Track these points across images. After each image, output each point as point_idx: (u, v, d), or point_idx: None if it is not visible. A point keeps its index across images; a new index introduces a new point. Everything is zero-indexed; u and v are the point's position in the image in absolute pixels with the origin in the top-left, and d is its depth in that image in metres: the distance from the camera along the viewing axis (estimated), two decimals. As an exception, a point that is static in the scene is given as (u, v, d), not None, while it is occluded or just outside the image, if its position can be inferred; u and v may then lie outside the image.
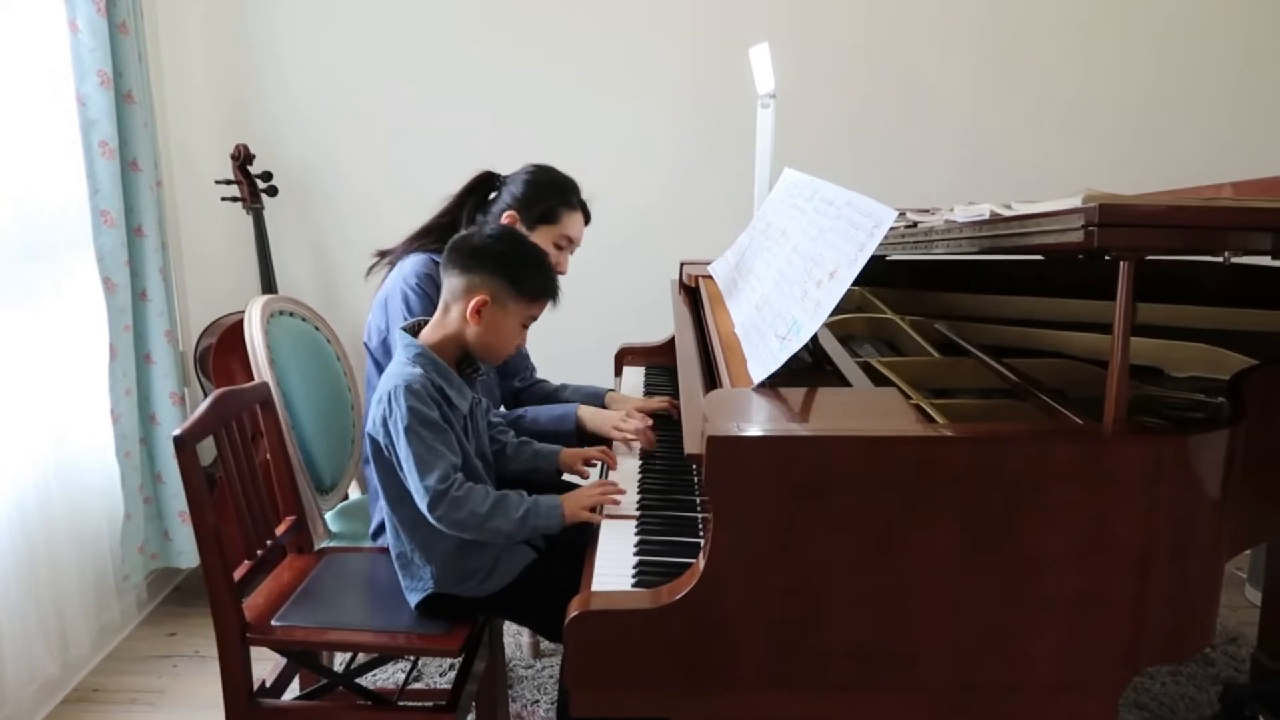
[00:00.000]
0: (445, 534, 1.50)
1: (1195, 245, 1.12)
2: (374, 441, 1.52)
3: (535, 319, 1.59)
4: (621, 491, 1.54)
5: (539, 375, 2.19)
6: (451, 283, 1.53)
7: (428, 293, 1.82)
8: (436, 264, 1.86)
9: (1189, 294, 1.98)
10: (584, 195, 1.97)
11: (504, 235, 1.58)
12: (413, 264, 1.88)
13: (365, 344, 1.92)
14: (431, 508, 1.44)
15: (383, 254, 1.99)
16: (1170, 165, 2.76)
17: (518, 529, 1.48)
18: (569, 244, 1.95)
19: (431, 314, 1.64)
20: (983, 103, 2.88)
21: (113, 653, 2.52)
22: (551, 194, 1.92)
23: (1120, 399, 1.12)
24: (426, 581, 1.56)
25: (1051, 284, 2.15)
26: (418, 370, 1.49)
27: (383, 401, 1.48)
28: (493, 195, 1.97)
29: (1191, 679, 2.30)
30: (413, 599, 1.59)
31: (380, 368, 1.91)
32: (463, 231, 1.59)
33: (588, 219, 1.98)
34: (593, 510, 1.50)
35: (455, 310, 1.54)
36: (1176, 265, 2.07)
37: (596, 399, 2.08)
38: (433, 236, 1.92)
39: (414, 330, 1.58)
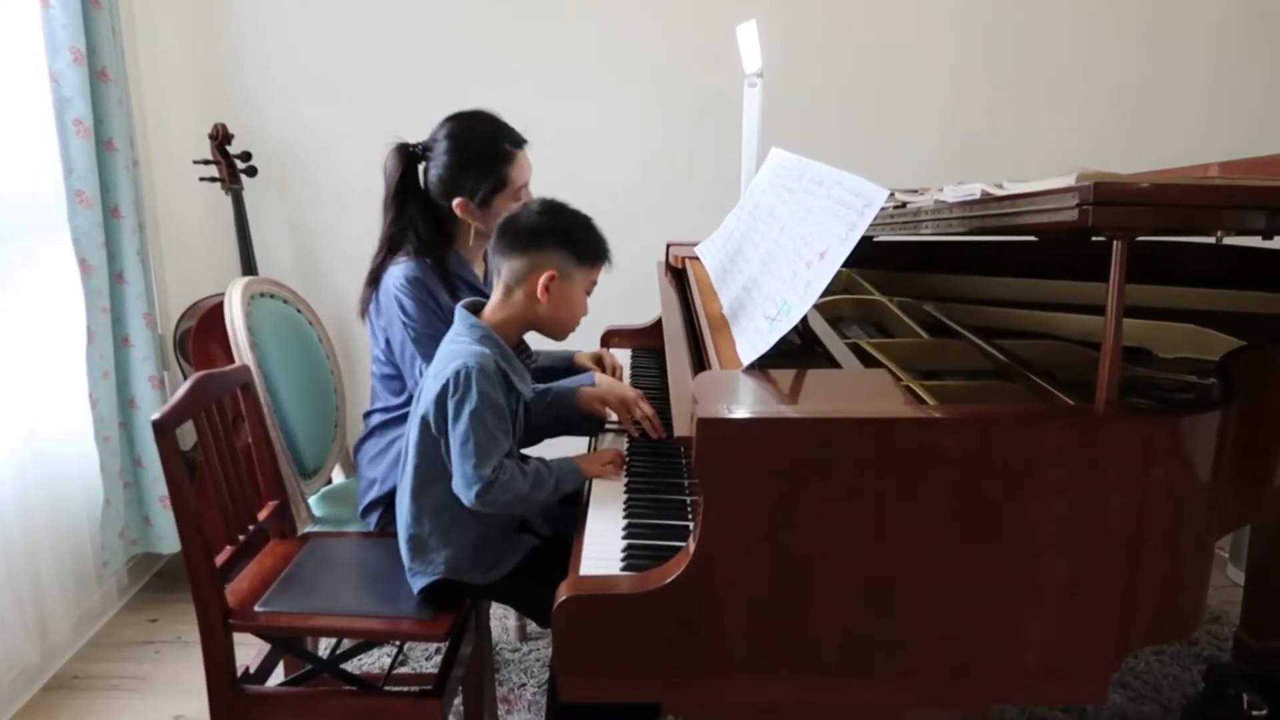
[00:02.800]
0: (468, 524, 1.51)
1: (1190, 224, 1.11)
2: (422, 420, 1.49)
3: (595, 283, 1.60)
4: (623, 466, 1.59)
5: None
6: (512, 265, 1.53)
7: (419, 297, 1.80)
8: (424, 264, 1.84)
9: (1176, 275, 1.98)
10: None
11: (550, 208, 1.57)
12: (401, 270, 1.82)
13: (370, 335, 1.91)
14: (480, 495, 1.42)
15: (370, 279, 1.91)
16: (1155, 146, 2.76)
17: (551, 496, 1.51)
18: (525, 189, 1.89)
19: (427, 319, 1.67)
20: (972, 81, 2.86)
21: (93, 639, 2.50)
22: (485, 161, 1.82)
23: (1113, 381, 1.11)
24: (438, 566, 1.54)
25: (1038, 265, 2.14)
26: (486, 350, 1.47)
27: (446, 379, 1.44)
28: (421, 167, 1.89)
29: (1175, 658, 2.32)
30: (418, 583, 1.56)
31: (382, 360, 1.88)
32: (507, 214, 1.58)
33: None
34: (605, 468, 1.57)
35: (520, 292, 1.53)
36: (1162, 245, 2.07)
37: (565, 361, 2.10)
38: (400, 249, 1.86)
39: (473, 310, 1.56)
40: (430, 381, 1.49)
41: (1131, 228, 1.06)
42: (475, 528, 1.52)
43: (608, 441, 1.75)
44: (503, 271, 1.54)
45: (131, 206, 2.48)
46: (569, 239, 1.54)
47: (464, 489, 1.44)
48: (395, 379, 1.90)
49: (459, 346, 1.50)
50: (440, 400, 1.45)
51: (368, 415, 1.96)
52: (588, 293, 1.59)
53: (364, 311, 1.92)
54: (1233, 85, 2.84)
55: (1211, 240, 1.83)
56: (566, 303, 1.55)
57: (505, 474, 1.44)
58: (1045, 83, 2.85)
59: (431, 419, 1.48)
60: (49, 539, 2.30)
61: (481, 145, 1.84)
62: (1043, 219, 1.14)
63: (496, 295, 1.56)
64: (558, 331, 1.60)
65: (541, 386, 1.75)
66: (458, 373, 1.44)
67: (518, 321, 1.55)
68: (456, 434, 1.43)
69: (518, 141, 1.87)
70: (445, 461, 1.48)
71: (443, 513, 1.52)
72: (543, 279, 1.51)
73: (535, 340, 2.17)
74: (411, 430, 1.54)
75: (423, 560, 1.56)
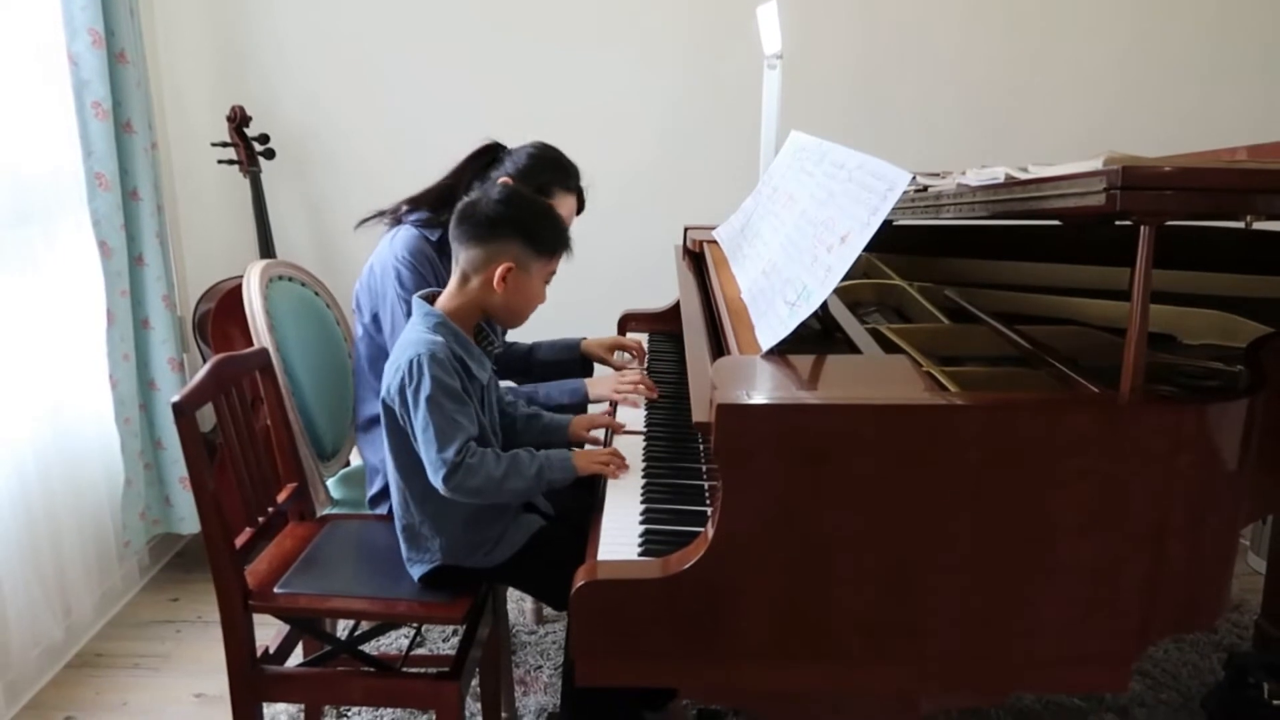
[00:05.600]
0: (457, 506, 1.49)
1: (1220, 209, 1.09)
2: (388, 410, 1.49)
3: (554, 273, 1.58)
4: (626, 468, 1.54)
5: (525, 338, 2.18)
6: (470, 254, 1.51)
7: (420, 270, 1.80)
8: (428, 240, 1.85)
9: (1201, 259, 1.95)
10: (584, 183, 1.94)
11: (511, 198, 1.55)
12: (404, 239, 1.85)
13: (355, 310, 1.91)
14: (446, 480, 1.42)
15: (380, 213, 1.95)
16: (1175, 126, 2.73)
17: (533, 485, 1.48)
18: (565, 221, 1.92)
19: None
20: (991, 64, 2.83)
21: (116, 618, 2.53)
22: (551, 170, 1.89)
23: (1138, 367, 1.09)
24: (434, 553, 1.55)
25: (1059, 249, 2.12)
26: (439, 339, 1.47)
27: (401, 369, 1.45)
28: (493, 164, 1.93)
29: (1194, 646, 2.30)
30: (416, 571, 1.57)
31: (370, 338, 1.89)
32: (467, 199, 1.56)
33: (581, 207, 1.96)
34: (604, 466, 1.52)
35: (476, 280, 1.51)
36: (1187, 230, 2.04)
37: (573, 351, 2.15)
38: (429, 203, 1.89)
39: (429, 300, 1.55)
40: (390, 372, 1.49)
41: (1161, 212, 1.04)
42: (465, 511, 1.51)
43: (617, 441, 1.71)
44: (460, 259, 1.52)
45: (150, 189, 2.48)
46: (528, 231, 1.51)
47: (433, 476, 1.43)
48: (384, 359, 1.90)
49: (413, 335, 1.50)
50: (401, 390, 1.45)
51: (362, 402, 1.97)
52: (546, 282, 1.57)
53: (368, 221, 1.94)
54: (1243, 64, 2.79)
55: (1237, 225, 1.80)
56: (523, 294, 1.53)
57: (473, 457, 1.42)
58: (1064, 64, 2.82)
59: (396, 409, 1.47)
60: (71, 519, 2.32)
61: (557, 161, 1.91)
62: (1069, 203, 1.12)
63: (453, 282, 1.54)
64: (512, 321, 1.59)
65: (532, 410, 1.74)
66: (410, 361, 1.44)
67: (472, 308, 1.53)
68: (418, 422, 1.44)
69: (580, 191, 1.93)
70: (417, 449, 1.47)
71: (428, 500, 1.51)
72: (500, 270, 1.49)
73: (538, 325, 2.19)
74: (383, 420, 1.54)
75: (419, 549, 1.56)
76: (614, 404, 1.88)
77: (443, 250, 1.82)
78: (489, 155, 1.94)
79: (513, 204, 1.53)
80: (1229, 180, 1.05)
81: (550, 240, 1.54)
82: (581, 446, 1.75)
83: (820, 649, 1.14)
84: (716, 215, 2.28)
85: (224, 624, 1.56)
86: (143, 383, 2.53)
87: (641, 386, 1.84)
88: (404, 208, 1.91)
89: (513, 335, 2.17)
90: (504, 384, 1.96)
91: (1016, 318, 1.61)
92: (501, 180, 1.85)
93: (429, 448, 1.43)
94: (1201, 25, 2.78)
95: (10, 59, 2.16)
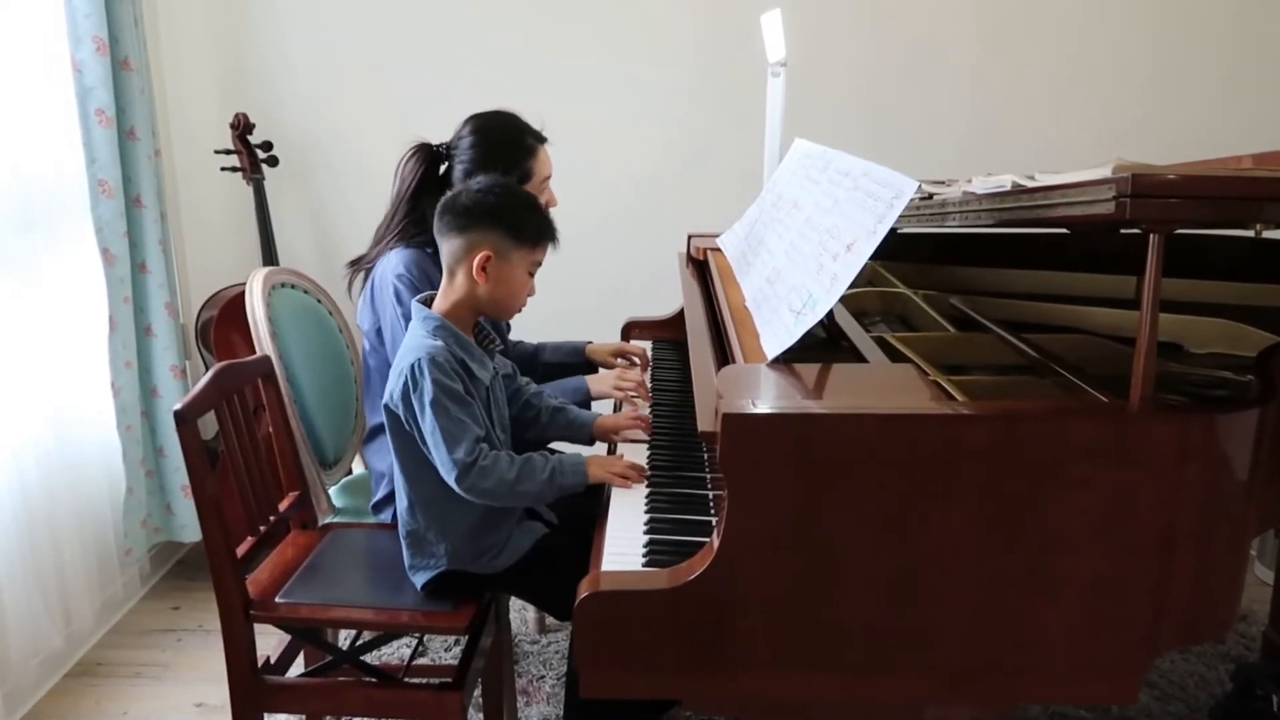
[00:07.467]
0: (463, 511, 1.49)
1: (1229, 217, 1.08)
2: (392, 415, 1.49)
3: (540, 264, 1.57)
4: (640, 480, 1.52)
5: (524, 337, 2.19)
6: (450, 246, 1.51)
7: (417, 285, 1.77)
8: (426, 254, 1.83)
9: (1210, 268, 1.94)
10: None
11: (493, 187, 1.54)
12: (400, 255, 1.82)
13: (359, 325, 1.92)
14: (460, 480, 1.42)
15: (355, 262, 1.94)
16: (1181, 134, 2.72)
17: (545, 489, 1.48)
18: (548, 182, 1.90)
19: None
20: (995, 72, 2.82)
21: (116, 626, 2.52)
22: (509, 152, 1.83)
23: (1148, 376, 1.08)
24: (440, 559, 1.54)
25: (1066, 258, 2.11)
26: (439, 343, 1.47)
27: (404, 374, 1.45)
28: (444, 168, 1.89)
29: (1201, 657, 2.29)
30: (420, 578, 1.56)
31: (376, 351, 1.88)
32: (449, 193, 1.55)
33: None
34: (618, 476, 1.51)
35: (460, 273, 1.51)
36: (1192, 238, 2.04)
37: (577, 355, 2.14)
38: (404, 233, 1.86)
39: (426, 303, 1.55)
40: (394, 377, 1.49)
41: (1170, 220, 1.03)
42: (471, 516, 1.51)
43: (621, 448, 1.70)
44: (444, 254, 1.52)
45: (153, 196, 2.48)
46: (506, 218, 1.50)
47: (447, 476, 1.44)
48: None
49: (414, 340, 1.50)
50: (405, 396, 1.46)
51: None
52: (531, 274, 1.56)
53: (350, 287, 1.95)
54: (1251, 75, 2.79)
55: (1246, 233, 1.79)
56: (506, 284, 1.52)
57: (485, 459, 1.43)
58: (1068, 73, 2.81)
59: (401, 414, 1.48)
60: (72, 526, 2.31)
61: (506, 138, 1.86)
62: (1077, 211, 1.11)
63: (443, 280, 1.54)
64: (500, 313, 1.59)
65: (559, 403, 1.74)
66: (412, 366, 1.44)
67: (465, 305, 1.53)
68: (425, 426, 1.44)
69: (540, 137, 1.89)
70: (424, 453, 1.47)
71: (434, 504, 1.52)
72: (478, 259, 1.48)
73: (541, 332, 2.20)
74: (386, 425, 1.54)
75: (423, 555, 1.55)
76: (618, 403, 1.89)
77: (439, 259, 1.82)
78: (431, 162, 1.89)
79: (494, 193, 1.52)
80: (1238, 188, 1.04)
81: (532, 230, 1.52)
82: (606, 443, 1.74)
83: (826, 659, 1.14)
84: (721, 223, 2.28)
85: (225, 634, 1.56)
86: (145, 390, 2.53)
87: (641, 388, 1.84)
88: (382, 244, 1.88)
89: (519, 335, 2.18)
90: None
91: (1023, 326, 1.60)
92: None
93: (439, 450, 1.43)
94: (1219, 39, 2.77)
95: (14, 65, 2.16)
